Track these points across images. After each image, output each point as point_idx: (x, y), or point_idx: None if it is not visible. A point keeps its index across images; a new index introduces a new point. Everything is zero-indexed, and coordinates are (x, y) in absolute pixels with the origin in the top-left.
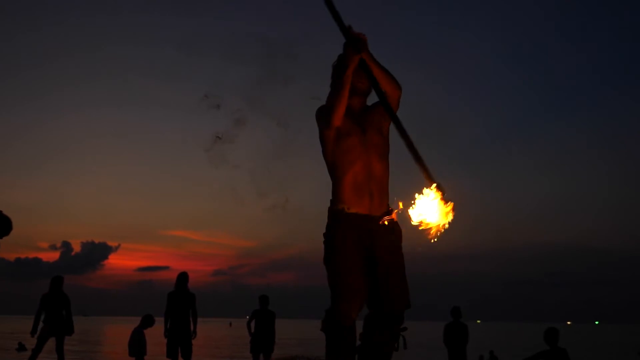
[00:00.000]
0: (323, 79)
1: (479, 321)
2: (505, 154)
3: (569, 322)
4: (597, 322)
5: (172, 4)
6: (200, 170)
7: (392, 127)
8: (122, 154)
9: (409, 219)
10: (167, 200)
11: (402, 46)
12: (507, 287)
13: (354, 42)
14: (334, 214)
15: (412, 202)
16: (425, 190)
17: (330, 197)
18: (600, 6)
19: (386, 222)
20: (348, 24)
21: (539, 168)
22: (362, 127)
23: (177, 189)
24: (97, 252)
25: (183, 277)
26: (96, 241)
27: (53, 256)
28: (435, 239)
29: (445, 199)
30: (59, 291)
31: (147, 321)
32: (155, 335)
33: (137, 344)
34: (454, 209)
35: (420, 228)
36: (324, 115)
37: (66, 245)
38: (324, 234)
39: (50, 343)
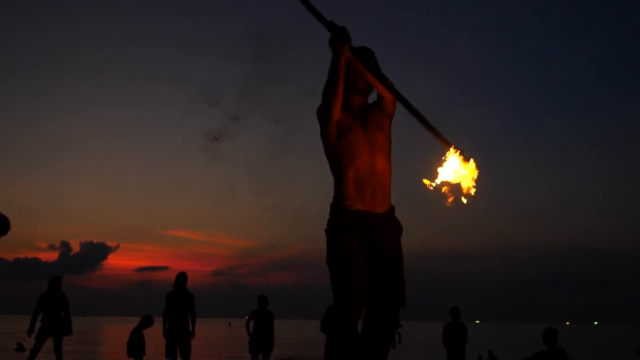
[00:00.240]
0: (321, 77)
1: (478, 321)
2: (505, 153)
3: (567, 323)
4: (595, 323)
5: (171, 4)
6: (200, 170)
7: (392, 126)
8: (122, 154)
9: (438, 187)
10: (167, 200)
11: (402, 46)
12: (507, 287)
13: (339, 32)
14: (337, 211)
15: (436, 171)
16: (445, 156)
17: (332, 194)
18: (600, 6)
19: (431, 187)
20: (330, 19)
21: (539, 168)
22: (363, 124)
23: (176, 189)
24: (96, 252)
25: (182, 277)
26: (95, 241)
27: (52, 256)
28: (471, 194)
29: (466, 158)
30: (58, 291)
31: (146, 321)
32: (154, 336)
33: (136, 344)
34: (477, 165)
35: (450, 190)
36: (323, 111)
37: (65, 245)
38: (326, 231)
39: (49, 343)
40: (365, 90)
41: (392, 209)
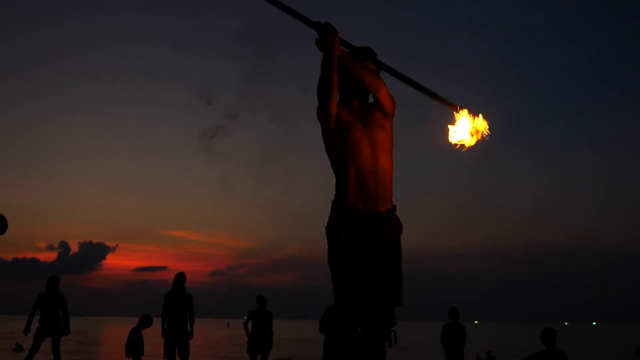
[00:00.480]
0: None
1: (476, 322)
2: (505, 153)
3: (566, 323)
4: (594, 323)
5: (171, 4)
6: (199, 170)
7: (393, 123)
8: (122, 154)
9: (454, 145)
10: (165, 201)
11: (402, 46)
12: (507, 287)
13: (326, 27)
14: (338, 209)
15: (449, 133)
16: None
17: (332, 194)
18: (600, 6)
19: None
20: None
21: (539, 168)
22: (363, 123)
23: (175, 189)
24: (94, 252)
25: (180, 277)
26: (94, 241)
27: (51, 256)
28: (486, 134)
29: (473, 114)
30: (56, 291)
31: (145, 321)
32: (153, 336)
33: (135, 344)
34: (484, 117)
35: (467, 145)
36: (319, 107)
37: (64, 246)
38: (327, 229)
39: (47, 343)
40: (365, 89)
41: (394, 208)
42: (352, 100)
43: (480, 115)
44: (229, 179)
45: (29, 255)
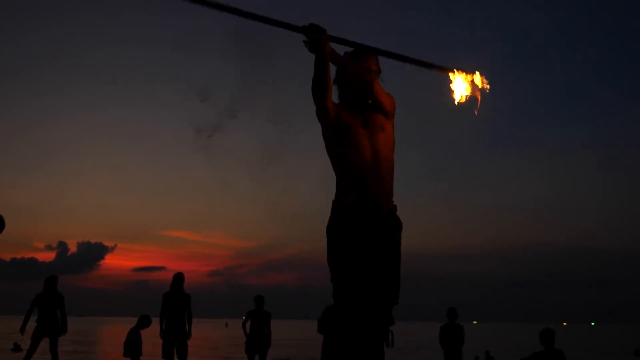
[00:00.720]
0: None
1: (475, 322)
2: (505, 153)
3: (564, 323)
4: (592, 323)
5: (171, 4)
6: (198, 171)
7: (395, 122)
8: (121, 154)
9: (460, 103)
10: (164, 201)
11: (402, 46)
12: (507, 287)
13: (310, 29)
14: (338, 209)
15: (453, 96)
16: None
17: (331, 194)
18: (600, 6)
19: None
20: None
21: (539, 168)
22: (364, 123)
23: (174, 189)
24: (93, 252)
25: (178, 277)
26: (92, 241)
27: (49, 256)
28: (487, 88)
29: (467, 72)
30: (53, 291)
31: (144, 321)
32: (151, 336)
33: (133, 345)
34: (481, 74)
35: (467, 98)
36: (316, 105)
37: (62, 246)
38: (327, 229)
39: (45, 344)
40: (364, 90)
41: (394, 207)
42: (353, 101)
43: (477, 72)
44: (227, 179)
45: (28, 255)
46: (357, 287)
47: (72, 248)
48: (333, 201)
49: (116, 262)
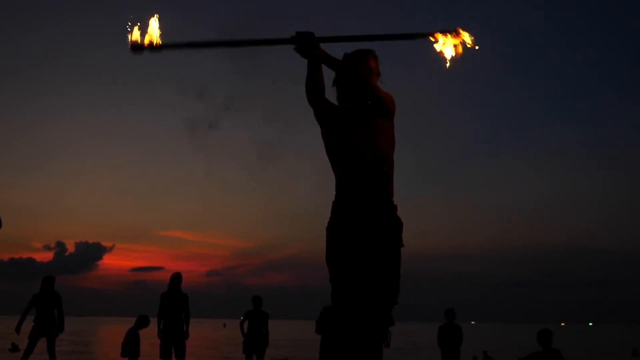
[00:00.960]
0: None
1: (473, 322)
2: (505, 153)
3: (562, 324)
4: (590, 324)
5: (171, 4)
6: (196, 171)
7: (395, 121)
8: (121, 154)
9: (448, 61)
10: (162, 201)
11: (401, 46)
12: (507, 287)
13: (297, 38)
14: (338, 209)
15: (443, 57)
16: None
17: (330, 195)
18: (600, 6)
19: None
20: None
21: (539, 168)
22: (362, 123)
23: (172, 189)
24: (91, 252)
25: (176, 277)
26: (90, 241)
27: (47, 256)
28: (472, 43)
29: (448, 32)
30: (51, 290)
31: (142, 321)
32: (149, 336)
33: (131, 345)
34: (461, 29)
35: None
36: (311, 106)
37: (60, 246)
38: (327, 229)
39: (43, 344)
40: (361, 87)
41: (394, 207)
42: (351, 101)
43: (459, 29)
44: (226, 180)
45: (25, 255)
46: (355, 288)
47: (70, 248)
48: (333, 201)
49: (114, 262)
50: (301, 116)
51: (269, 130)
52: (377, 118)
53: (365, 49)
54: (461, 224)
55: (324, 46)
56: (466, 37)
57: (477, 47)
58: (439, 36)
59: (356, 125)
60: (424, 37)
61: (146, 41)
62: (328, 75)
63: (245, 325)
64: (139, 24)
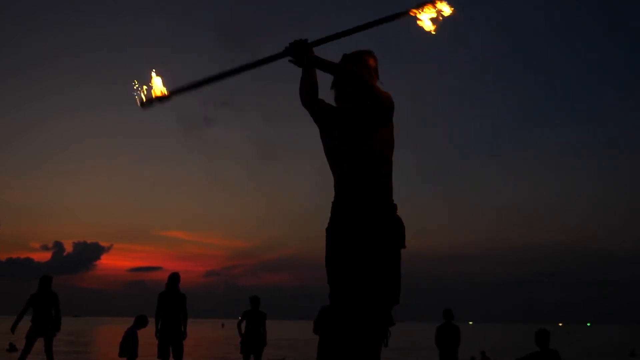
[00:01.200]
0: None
1: (471, 322)
2: (505, 154)
3: (560, 324)
4: (588, 324)
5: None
6: (194, 171)
7: (394, 122)
8: (120, 155)
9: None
10: (160, 201)
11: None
12: (507, 287)
13: (291, 49)
14: (339, 209)
15: (424, 28)
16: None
17: (328, 195)
18: (600, 7)
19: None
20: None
21: (539, 168)
22: (360, 123)
23: (170, 190)
24: (89, 252)
25: (174, 277)
26: (88, 241)
27: (45, 256)
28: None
29: (425, 2)
30: (48, 290)
31: (141, 322)
32: (147, 336)
33: (130, 345)
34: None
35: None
36: (306, 109)
37: (58, 246)
38: (327, 230)
39: (40, 344)
40: (359, 87)
41: (394, 207)
42: (351, 101)
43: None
44: (224, 180)
45: (23, 255)
46: (356, 288)
47: (68, 248)
48: (332, 202)
49: (112, 262)
50: (300, 116)
51: (267, 131)
52: (376, 117)
53: (364, 49)
54: (461, 224)
55: (318, 51)
56: (443, 5)
57: (452, 10)
58: (417, 10)
59: (355, 125)
60: (404, 16)
61: (154, 95)
62: (326, 78)
63: (243, 325)
64: (143, 84)
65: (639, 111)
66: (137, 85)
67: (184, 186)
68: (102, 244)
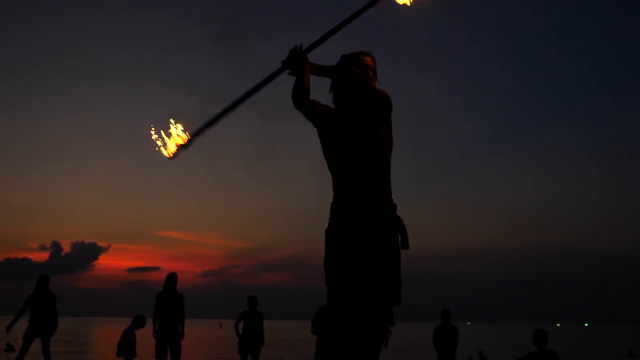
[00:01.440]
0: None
1: (469, 322)
2: (505, 154)
3: (558, 324)
4: (586, 324)
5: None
6: (192, 171)
7: (394, 121)
8: (119, 155)
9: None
10: (159, 201)
11: (400, 46)
12: (507, 287)
13: (287, 63)
14: (338, 209)
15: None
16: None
17: (326, 196)
18: (599, 7)
19: None
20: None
21: (539, 168)
22: (358, 123)
23: (168, 190)
24: (87, 252)
25: (171, 278)
26: (86, 241)
27: (43, 256)
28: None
29: None
30: (45, 290)
31: (139, 322)
32: (145, 336)
33: (128, 345)
34: None
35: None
36: (300, 111)
37: (56, 246)
38: (327, 231)
39: (37, 344)
40: (357, 87)
41: (393, 206)
42: (349, 102)
43: None
44: (222, 180)
45: (21, 255)
46: (356, 288)
47: (66, 248)
48: (331, 203)
49: (110, 262)
50: (300, 116)
51: (266, 132)
52: (375, 117)
53: (363, 50)
54: (461, 224)
55: (315, 54)
56: None
57: None
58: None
59: (354, 125)
60: (379, 1)
61: (176, 144)
62: (325, 81)
63: (240, 325)
64: (164, 135)
65: (638, 111)
66: (157, 137)
67: (183, 186)
68: (100, 244)
